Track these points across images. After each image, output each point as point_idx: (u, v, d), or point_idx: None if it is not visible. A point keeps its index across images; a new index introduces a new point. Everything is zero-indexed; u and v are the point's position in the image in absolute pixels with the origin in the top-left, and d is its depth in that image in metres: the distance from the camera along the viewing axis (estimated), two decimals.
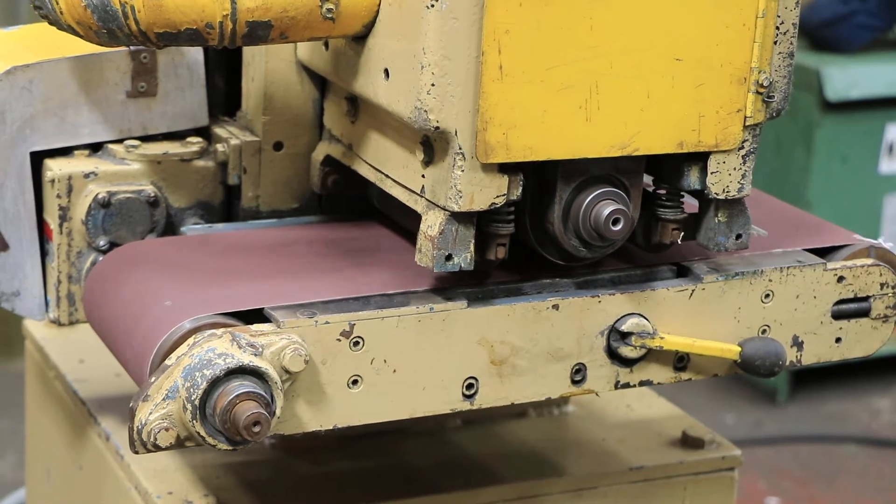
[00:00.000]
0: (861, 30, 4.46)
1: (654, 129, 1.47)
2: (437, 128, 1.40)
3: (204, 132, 1.74)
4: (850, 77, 4.34)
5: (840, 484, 4.12)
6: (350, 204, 1.71)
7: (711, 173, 1.50)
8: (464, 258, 1.44)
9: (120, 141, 1.70)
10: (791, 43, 1.50)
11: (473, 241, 1.45)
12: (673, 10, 1.43)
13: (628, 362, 1.54)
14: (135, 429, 1.35)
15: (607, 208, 1.47)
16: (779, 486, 4.12)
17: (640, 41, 1.43)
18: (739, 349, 1.55)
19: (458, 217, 1.43)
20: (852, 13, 4.45)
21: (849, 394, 4.58)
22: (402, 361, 1.45)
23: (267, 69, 1.67)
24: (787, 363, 1.59)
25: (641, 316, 1.52)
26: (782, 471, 4.18)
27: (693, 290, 1.55)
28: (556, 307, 1.50)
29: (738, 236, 1.55)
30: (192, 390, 1.34)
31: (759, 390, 4.45)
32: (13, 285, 1.69)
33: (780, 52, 1.49)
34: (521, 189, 1.44)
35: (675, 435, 1.79)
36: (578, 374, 1.52)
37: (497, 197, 1.43)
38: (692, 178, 1.51)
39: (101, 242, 1.65)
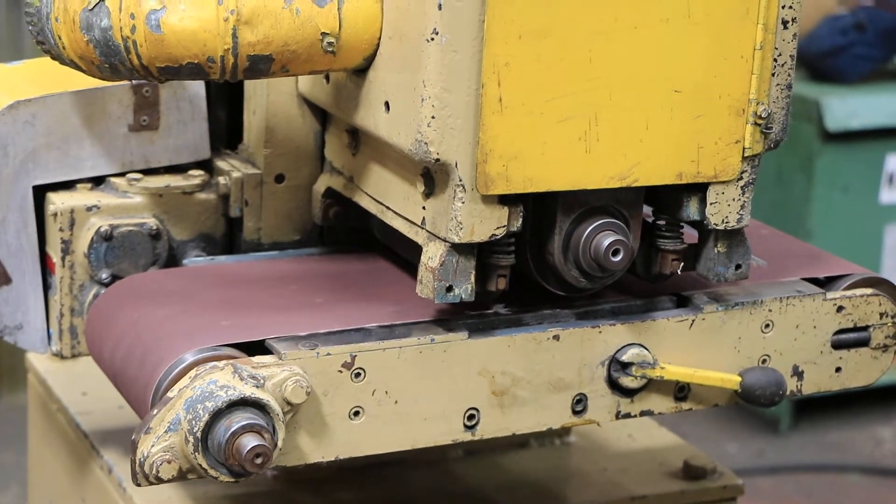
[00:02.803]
0: (860, 61, 4.46)
1: (654, 161, 1.45)
2: (438, 160, 1.37)
3: (206, 165, 1.73)
4: (849, 107, 4.33)
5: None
6: (351, 235, 1.70)
7: (710, 204, 1.49)
8: (465, 289, 1.42)
9: (122, 174, 1.69)
10: (789, 74, 1.49)
11: (474, 272, 1.43)
12: (671, 42, 1.42)
13: (629, 392, 1.52)
14: (137, 461, 1.33)
15: (607, 239, 1.45)
16: None
17: (638, 73, 1.42)
18: (740, 379, 1.54)
19: (459, 248, 1.41)
20: (851, 44, 4.45)
21: (851, 423, 4.54)
22: (404, 392, 1.43)
23: (268, 102, 1.67)
24: (788, 393, 1.57)
25: (642, 346, 1.51)
26: (785, 500, 4.17)
27: (693, 321, 1.53)
28: (556, 338, 1.49)
29: (738, 266, 1.53)
30: (193, 422, 1.32)
31: (761, 420, 4.42)
32: (16, 318, 1.67)
33: (778, 84, 1.48)
34: (521, 220, 1.43)
35: (676, 465, 1.78)
36: (579, 405, 1.51)
37: (497, 228, 1.41)
38: (691, 209, 1.50)
39: (104, 275, 1.64)
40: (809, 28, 4.43)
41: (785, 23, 1.47)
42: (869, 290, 1.62)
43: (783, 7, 1.47)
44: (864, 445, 4.50)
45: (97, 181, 1.70)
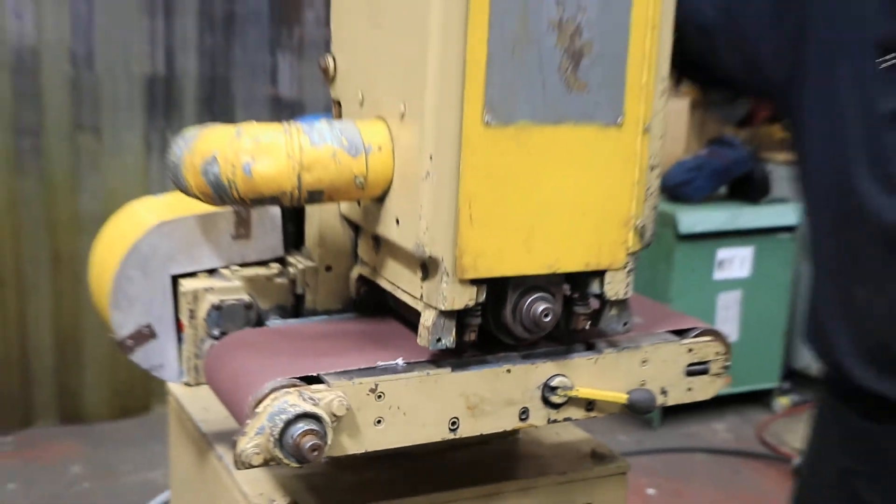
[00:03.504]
0: (699, 189, 4.82)
1: (571, 255, 1.49)
2: (431, 256, 1.42)
3: (281, 260, 1.78)
4: (693, 219, 4.67)
5: (694, 480, 4.23)
6: (375, 305, 1.72)
7: (607, 283, 1.53)
8: (449, 340, 1.46)
9: (227, 267, 1.74)
10: (656, 199, 1.54)
11: (455, 328, 1.47)
12: (584, 180, 1.46)
13: (556, 406, 1.55)
14: (237, 453, 1.37)
15: (541, 306, 1.49)
16: (654, 482, 4.16)
17: (563, 200, 1.46)
18: (627, 396, 1.57)
19: (445, 314, 1.45)
20: (693, 179, 4.82)
21: (697, 420, 4.79)
22: (410, 408, 1.47)
23: (321, 219, 1.71)
24: (657, 405, 1.60)
25: (564, 376, 1.55)
26: (656, 471, 4.23)
27: (597, 359, 1.57)
28: (508, 371, 1.52)
29: (625, 323, 1.58)
30: (273, 428, 1.36)
31: (641, 420, 4.64)
32: (160, 360, 1.72)
33: (649, 205, 1.52)
34: (485, 294, 1.46)
35: (586, 451, 1.81)
36: (524, 414, 1.54)
37: (469, 300, 1.45)
38: (595, 286, 1.54)
39: (215, 332, 1.68)
40: (666, 168, 4.63)
41: (652, 167, 1.49)
42: (708, 337, 1.67)
43: (651, 157, 1.49)
44: (705, 434, 4.69)
45: (211, 271, 1.74)
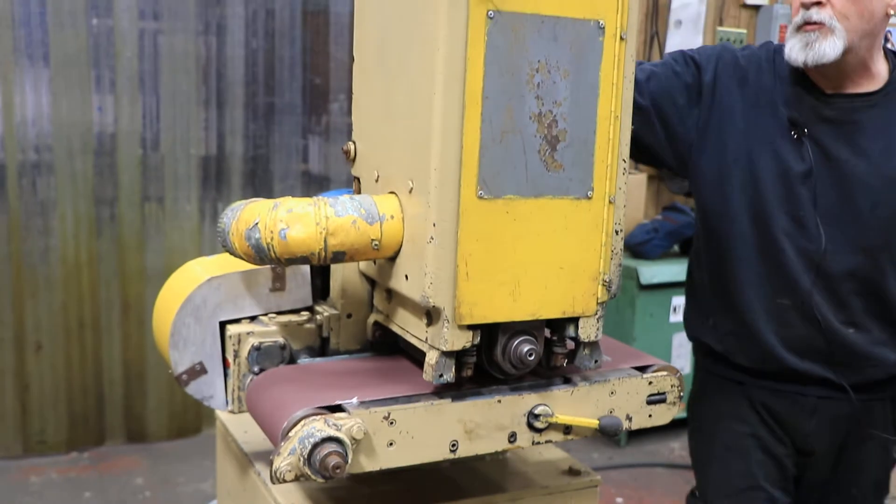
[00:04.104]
0: (656, 247, 4.76)
1: (550, 305, 1.47)
2: (434, 306, 1.41)
3: (310, 309, 1.76)
4: (652, 272, 4.58)
5: (655, 490, 4.10)
6: (388, 346, 1.70)
7: (580, 328, 1.51)
8: (449, 376, 1.45)
9: (265, 314, 1.71)
10: (620, 257, 1.53)
11: (454, 366, 1.45)
12: (558, 241, 1.46)
13: (539, 430, 1.53)
14: (273, 470, 1.35)
15: (526, 347, 1.48)
16: (622, 492, 4.08)
17: (543, 259, 1.45)
18: (598, 422, 1.55)
19: (446, 354, 1.44)
20: (651, 239, 4.79)
21: (657, 440, 4.63)
22: (417, 432, 1.44)
23: (343, 275, 1.70)
24: (624, 429, 1.58)
25: (546, 405, 1.53)
26: (624, 483, 4.14)
27: (573, 391, 1.55)
28: (499, 401, 1.50)
29: (596, 361, 1.56)
30: (303, 450, 1.35)
31: (611, 441, 4.50)
32: (210, 392, 1.70)
33: (614, 263, 1.51)
34: (479, 337, 1.45)
35: (565, 468, 1.78)
36: (513, 437, 1.51)
37: (466, 342, 1.43)
38: (570, 330, 1.53)
39: (256, 369, 1.66)
40: (629, 230, 4.63)
41: (617, 232, 1.49)
42: (665, 372, 1.66)
43: (616, 223, 1.48)
44: (664, 452, 4.55)
45: (252, 318, 1.72)
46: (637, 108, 1.87)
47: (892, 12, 1.86)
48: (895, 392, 2.06)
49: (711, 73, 2.01)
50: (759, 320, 1.98)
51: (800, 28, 1.84)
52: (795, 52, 1.85)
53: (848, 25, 1.81)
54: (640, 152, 2.03)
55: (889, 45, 2.01)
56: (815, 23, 1.82)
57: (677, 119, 2.01)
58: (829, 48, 1.80)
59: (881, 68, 1.92)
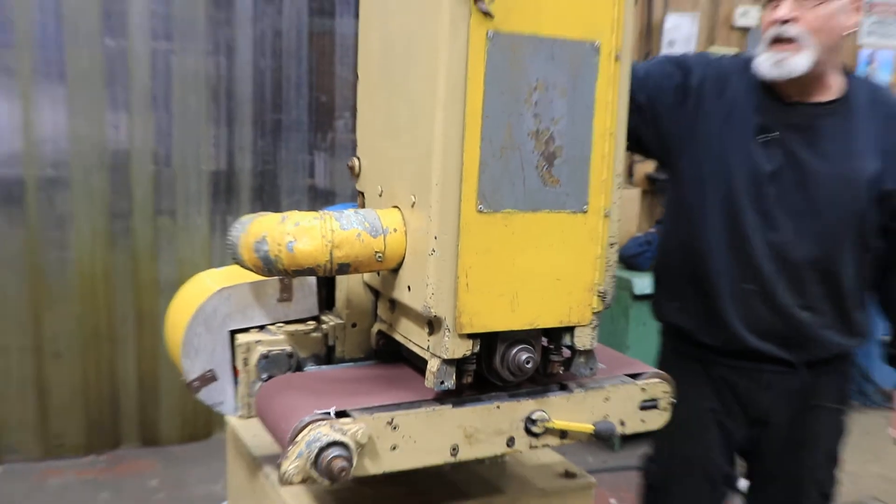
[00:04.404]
0: (649, 260, 4.74)
1: (547, 314, 1.47)
2: (436, 316, 1.41)
3: (316, 318, 1.75)
4: (645, 283, 4.50)
5: None
6: (391, 354, 1.69)
7: (576, 337, 1.51)
8: (450, 382, 1.44)
9: (273, 324, 1.71)
10: (614, 269, 1.52)
11: (455, 373, 1.44)
12: (555, 253, 1.45)
13: (536, 435, 1.53)
14: (281, 473, 1.35)
15: (524, 355, 1.48)
16: (616, 494, 4.06)
17: (541, 271, 1.44)
18: (593, 427, 1.54)
19: (447, 361, 1.43)
20: (644, 251, 4.74)
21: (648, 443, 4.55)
22: (419, 437, 1.44)
23: (348, 286, 1.70)
24: (618, 433, 1.57)
25: (543, 411, 1.52)
26: (618, 485, 4.11)
27: (569, 397, 1.55)
28: (498, 407, 1.50)
29: (591, 368, 1.56)
30: (309, 453, 1.34)
31: (605, 445, 4.42)
32: (220, 398, 1.69)
33: (609, 274, 1.50)
34: (479, 346, 1.44)
35: (561, 471, 1.77)
36: (511, 442, 1.51)
37: (467, 350, 1.43)
38: (566, 339, 1.52)
39: (264, 376, 1.65)
40: (623, 243, 4.58)
41: (612, 244, 1.48)
42: (657, 379, 1.65)
43: (610, 237, 1.47)
44: None
45: (261, 328, 1.71)
46: (637, 107, 2.01)
47: (846, 34, 2.01)
48: (843, 369, 2.22)
49: (697, 78, 2.13)
50: (726, 303, 2.10)
51: (772, 44, 1.97)
52: (766, 67, 1.98)
53: (818, 40, 1.94)
54: (636, 145, 2.15)
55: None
56: (787, 39, 1.94)
57: (667, 118, 2.13)
58: (800, 62, 1.94)
59: (838, 81, 2.06)
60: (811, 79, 1.99)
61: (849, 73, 2.11)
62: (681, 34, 5.35)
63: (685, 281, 2.20)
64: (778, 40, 1.95)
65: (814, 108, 2.03)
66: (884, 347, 2.25)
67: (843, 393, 2.25)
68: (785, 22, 1.93)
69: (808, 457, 2.22)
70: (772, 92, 2.03)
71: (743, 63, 2.09)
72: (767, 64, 1.97)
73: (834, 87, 2.05)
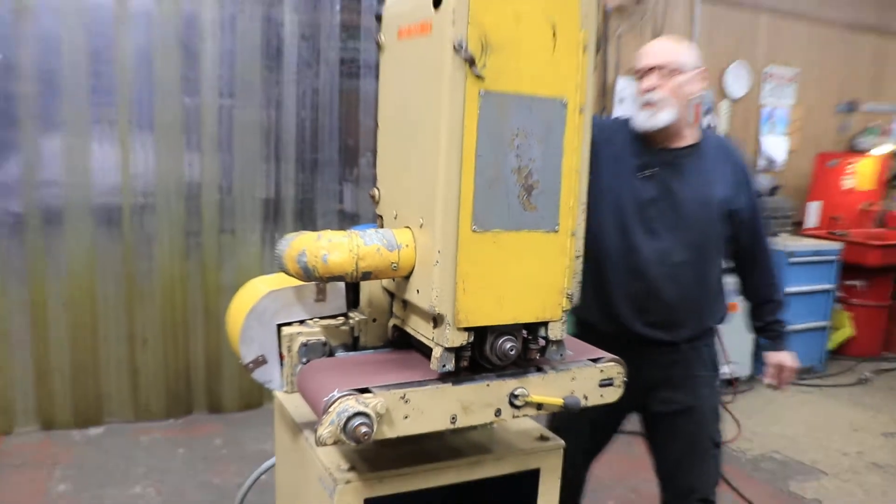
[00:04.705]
0: None
1: (527, 312, 1.45)
2: (439, 313, 1.38)
3: (345, 315, 1.72)
4: None
5: (607, 450, 3.86)
6: (404, 344, 1.66)
7: (550, 330, 1.49)
8: (450, 366, 1.42)
9: (311, 319, 1.68)
10: (580, 276, 1.49)
11: (454, 358, 1.41)
12: (536, 266, 1.43)
13: (518, 407, 1.50)
14: (317, 436, 1.32)
15: (508, 344, 1.45)
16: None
17: (522, 277, 1.42)
18: (562, 401, 1.50)
19: (448, 349, 1.41)
20: None
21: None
22: (425, 408, 1.41)
23: (370, 290, 1.67)
24: (581, 405, 1.54)
25: (523, 388, 1.50)
26: None
27: (543, 377, 1.52)
28: (488, 385, 1.47)
29: (561, 354, 1.53)
30: (339, 421, 1.32)
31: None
32: (270, 377, 1.66)
33: (576, 280, 1.48)
34: (473, 337, 1.42)
35: (537, 435, 1.73)
36: (498, 412, 1.48)
37: (463, 340, 1.40)
38: (542, 331, 1.50)
39: (303, 361, 1.62)
40: None
41: (577, 257, 1.48)
42: (612, 363, 1.62)
43: (576, 251, 1.47)
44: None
45: (301, 322, 1.68)
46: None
47: (694, 97, 2.18)
48: (709, 342, 2.32)
49: (595, 132, 2.19)
50: (620, 300, 2.18)
51: (643, 106, 2.13)
52: (641, 122, 2.14)
53: (675, 102, 2.11)
54: None
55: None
56: (654, 102, 2.11)
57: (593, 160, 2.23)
58: (664, 117, 2.11)
59: (692, 132, 2.22)
60: (673, 130, 2.15)
61: (701, 126, 2.28)
62: (629, 93, 5.35)
63: (589, 285, 2.26)
64: (648, 103, 2.11)
65: (677, 151, 2.17)
66: (748, 321, 2.40)
67: (713, 361, 2.33)
68: (651, 90, 2.11)
69: (697, 414, 2.28)
70: (645, 140, 2.17)
71: (623, 122, 2.23)
72: (641, 120, 2.13)
73: (689, 136, 2.20)
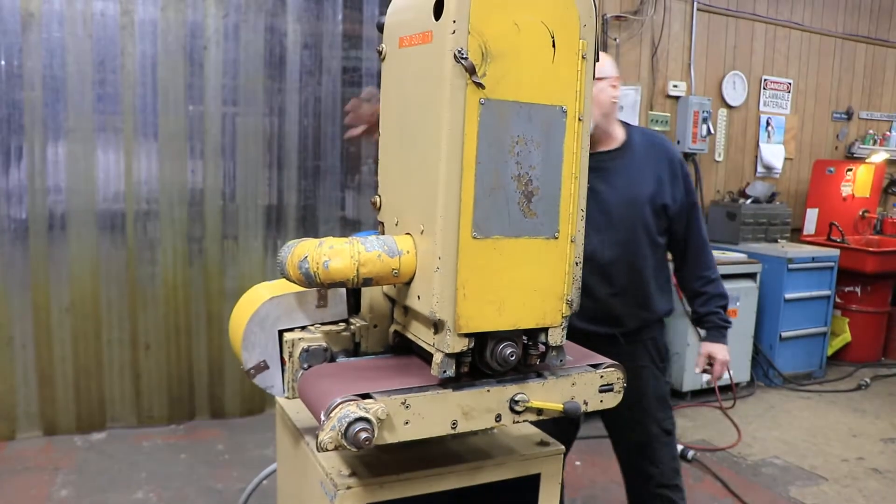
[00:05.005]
0: None
1: (527, 318, 1.44)
2: (440, 319, 1.38)
3: (346, 321, 1.71)
4: None
5: (605, 456, 3.99)
6: (405, 349, 1.66)
7: (550, 335, 1.48)
8: (451, 371, 1.41)
9: (313, 324, 1.67)
10: (580, 283, 1.49)
11: (454, 364, 1.41)
12: (535, 272, 1.42)
13: (518, 412, 1.49)
14: (318, 442, 1.31)
15: (508, 350, 1.44)
16: (580, 458, 4.01)
17: (522, 283, 1.41)
18: (562, 406, 1.50)
19: (448, 355, 1.40)
20: None
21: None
22: (426, 414, 1.40)
23: (371, 296, 1.66)
24: (581, 411, 1.53)
25: (523, 393, 1.48)
26: (582, 451, 4.07)
27: (543, 383, 1.51)
28: (488, 390, 1.46)
29: (561, 360, 1.52)
30: (340, 427, 1.31)
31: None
32: (271, 383, 1.65)
33: (575, 286, 1.47)
34: (473, 342, 1.41)
35: (537, 440, 1.72)
36: (498, 418, 1.47)
37: (464, 346, 1.40)
38: (542, 337, 1.49)
39: (305, 366, 1.61)
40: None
41: (577, 263, 1.46)
42: (612, 368, 1.60)
43: (576, 257, 1.47)
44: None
45: (303, 328, 1.67)
46: None
47: (614, 100, 2.26)
48: (652, 335, 2.37)
49: None
50: None
51: None
52: None
53: (596, 109, 2.21)
54: None
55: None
56: None
57: None
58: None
59: (619, 133, 2.29)
60: (598, 135, 2.24)
61: (626, 124, 2.34)
62: (627, 101, 5.34)
63: None
64: None
65: (604, 155, 2.26)
66: (690, 313, 2.48)
67: (658, 352, 2.38)
68: None
69: (645, 403, 2.36)
70: None
71: None
72: None
73: (617, 138, 2.28)
